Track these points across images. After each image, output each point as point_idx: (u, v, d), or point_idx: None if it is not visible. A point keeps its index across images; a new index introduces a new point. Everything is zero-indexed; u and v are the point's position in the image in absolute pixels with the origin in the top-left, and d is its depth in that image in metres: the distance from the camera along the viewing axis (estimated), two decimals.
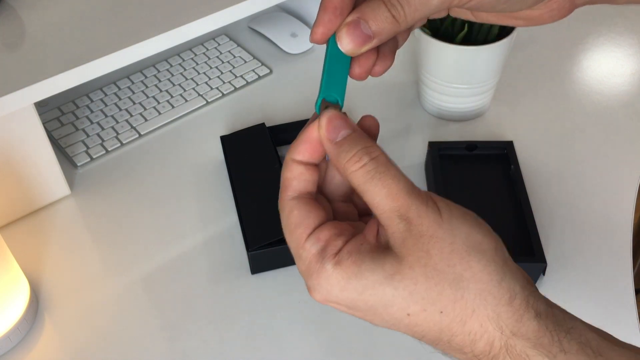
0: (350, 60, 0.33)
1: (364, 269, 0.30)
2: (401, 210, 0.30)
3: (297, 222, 0.33)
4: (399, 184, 0.30)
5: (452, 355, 0.31)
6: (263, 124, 0.75)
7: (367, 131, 0.34)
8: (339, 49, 0.32)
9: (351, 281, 0.30)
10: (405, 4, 0.30)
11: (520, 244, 0.62)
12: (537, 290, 0.31)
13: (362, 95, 0.85)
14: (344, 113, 0.33)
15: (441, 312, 0.29)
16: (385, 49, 0.34)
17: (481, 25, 0.71)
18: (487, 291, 0.29)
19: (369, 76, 0.34)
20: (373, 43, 0.31)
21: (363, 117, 0.35)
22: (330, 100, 0.33)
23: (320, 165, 0.34)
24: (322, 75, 0.33)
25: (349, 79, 0.34)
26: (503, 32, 0.72)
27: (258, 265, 0.63)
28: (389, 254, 0.30)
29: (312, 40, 0.32)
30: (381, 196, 0.30)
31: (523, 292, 0.29)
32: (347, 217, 0.35)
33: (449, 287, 0.29)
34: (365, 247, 0.31)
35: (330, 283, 0.30)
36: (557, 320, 0.29)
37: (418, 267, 0.29)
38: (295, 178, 0.33)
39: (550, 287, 0.61)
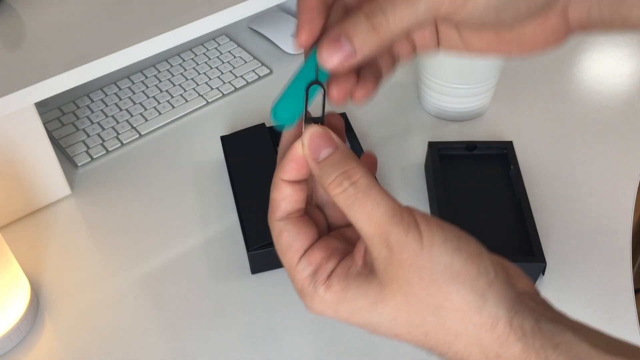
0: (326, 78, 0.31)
1: (350, 296, 0.31)
2: (382, 237, 0.29)
3: (287, 244, 0.33)
4: (379, 209, 0.29)
5: None
6: (263, 124, 0.75)
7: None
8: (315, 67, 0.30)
9: (340, 305, 0.31)
10: (388, 12, 0.28)
11: (520, 243, 0.62)
12: (526, 302, 0.30)
13: None
14: (325, 128, 0.32)
15: (426, 334, 0.30)
16: (367, 73, 0.33)
17: None
18: (468, 320, 0.29)
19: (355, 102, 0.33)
20: (356, 59, 0.29)
21: (363, 156, 0.35)
22: (280, 117, 0.32)
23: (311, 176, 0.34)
24: (286, 86, 0.31)
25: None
26: None
27: (258, 265, 0.63)
28: (373, 279, 0.31)
29: (298, 45, 0.31)
30: (363, 223, 0.30)
31: (508, 314, 0.29)
32: (342, 221, 0.36)
33: (431, 315, 0.30)
34: (352, 272, 0.32)
35: (323, 305, 0.32)
36: (545, 336, 0.29)
37: (399, 295, 0.30)
38: (284, 199, 0.33)
39: (549, 287, 0.61)
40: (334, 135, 0.32)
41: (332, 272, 0.32)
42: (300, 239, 0.33)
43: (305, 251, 0.33)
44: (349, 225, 0.36)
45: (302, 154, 0.32)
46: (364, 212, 0.29)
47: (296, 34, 0.30)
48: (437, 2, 0.28)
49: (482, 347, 0.29)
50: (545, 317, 0.29)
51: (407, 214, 0.30)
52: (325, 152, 0.31)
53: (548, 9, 0.31)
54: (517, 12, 0.29)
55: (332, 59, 0.29)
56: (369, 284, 0.31)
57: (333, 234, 0.35)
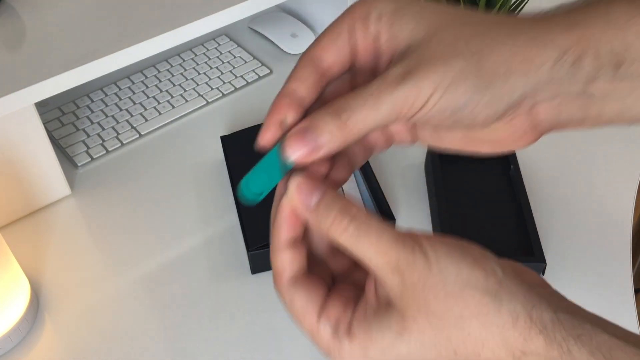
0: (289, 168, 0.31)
1: (375, 336, 0.30)
2: (392, 264, 0.29)
3: (302, 310, 0.33)
4: (384, 237, 0.30)
5: None
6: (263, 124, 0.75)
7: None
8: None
9: (369, 349, 0.30)
10: (356, 111, 0.29)
11: (520, 243, 0.62)
12: (540, 294, 0.30)
13: None
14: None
15: (455, 352, 0.30)
16: (341, 162, 0.34)
17: None
18: (489, 322, 0.29)
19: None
20: (321, 153, 0.30)
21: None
22: (249, 191, 0.32)
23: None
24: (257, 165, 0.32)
25: None
26: None
27: (258, 265, 0.63)
28: (392, 311, 0.30)
29: (260, 145, 0.31)
30: (371, 254, 0.30)
31: (525, 308, 0.29)
32: (344, 267, 0.36)
33: (454, 329, 0.29)
34: (370, 312, 0.31)
35: (353, 356, 0.31)
36: (565, 328, 0.29)
37: (420, 318, 0.30)
38: (286, 266, 0.33)
39: None
40: (316, 181, 0.31)
41: (351, 320, 0.31)
42: (314, 300, 0.32)
43: (321, 310, 0.32)
44: (353, 269, 0.35)
45: (290, 211, 0.32)
46: (370, 243, 0.30)
47: (260, 134, 0.31)
48: (398, 105, 0.29)
49: (509, 347, 0.29)
50: (562, 309, 0.30)
51: (408, 237, 0.30)
52: (315, 197, 0.31)
53: (512, 112, 0.31)
54: (475, 116, 0.30)
55: (295, 153, 0.30)
56: (390, 317, 0.30)
57: (340, 284, 0.35)
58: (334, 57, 0.32)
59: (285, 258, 0.33)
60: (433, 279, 0.29)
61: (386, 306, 0.31)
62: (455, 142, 0.34)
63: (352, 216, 0.30)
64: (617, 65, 0.29)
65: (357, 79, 0.33)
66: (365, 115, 0.29)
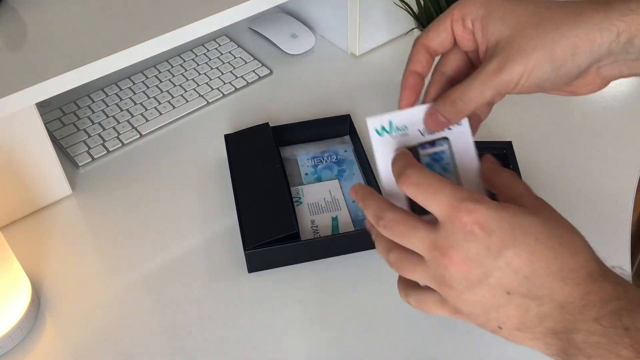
0: None
1: (511, 206, 0.37)
2: (535, 196, 0.40)
3: (438, 185, 0.38)
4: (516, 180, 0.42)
5: (550, 290, 0.36)
6: (267, 123, 0.75)
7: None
8: None
9: (503, 208, 0.37)
10: (464, 98, 0.41)
11: None
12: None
13: (364, 96, 0.85)
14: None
15: (560, 243, 0.36)
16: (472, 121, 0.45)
17: None
18: (590, 248, 0.38)
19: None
20: (446, 125, 0.43)
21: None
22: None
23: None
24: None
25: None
26: None
27: (254, 264, 0.64)
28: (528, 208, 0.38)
29: (400, 107, 0.45)
30: (522, 187, 0.41)
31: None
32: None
33: (568, 233, 0.37)
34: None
35: (490, 205, 0.37)
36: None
37: (549, 215, 0.38)
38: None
39: None
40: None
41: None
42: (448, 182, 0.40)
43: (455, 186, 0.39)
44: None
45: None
46: (523, 184, 0.42)
47: (399, 102, 0.45)
48: (498, 89, 0.40)
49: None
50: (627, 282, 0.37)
51: None
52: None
53: (583, 75, 0.41)
54: (554, 86, 0.41)
55: (433, 127, 0.43)
56: (526, 207, 0.38)
57: None
58: (437, 45, 0.45)
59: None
60: (560, 216, 0.39)
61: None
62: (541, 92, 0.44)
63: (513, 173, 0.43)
64: None
65: (468, 56, 0.46)
66: (475, 102, 0.41)
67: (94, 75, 0.65)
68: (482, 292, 0.37)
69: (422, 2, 0.79)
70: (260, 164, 0.71)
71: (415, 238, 0.38)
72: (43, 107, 0.83)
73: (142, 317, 0.61)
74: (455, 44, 0.45)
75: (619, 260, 0.63)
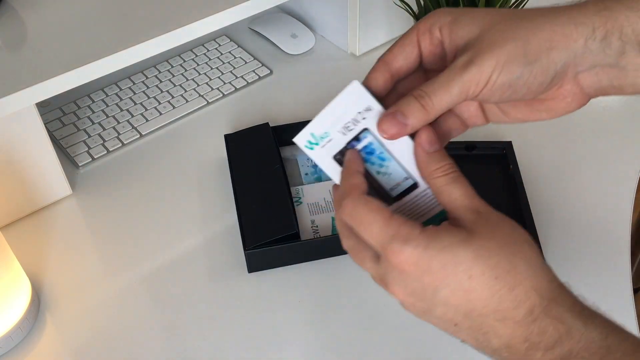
0: None
1: (442, 234, 0.35)
2: (473, 207, 0.37)
3: (371, 214, 0.37)
4: (470, 188, 0.38)
5: (492, 329, 0.35)
6: (267, 123, 0.75)
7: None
8: None
9: (431, 242, 0.35)
10: (431, 95, 0.37)
11: None
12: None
13: None
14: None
15: (496, 277, 0.34)
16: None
17: None
18: (536, 266, 0.35)
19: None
20: (408, 130, 0.38)
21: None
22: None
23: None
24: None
25: None
26: None
27: (254, 264, 0.64)
28: (462, 229, 0.36)
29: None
30: (458, 195, 0.37)
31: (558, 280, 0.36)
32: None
33: (505, 260, 0.34)
34: (441, 226, 0.37)
35: (418, 243, 0.35)
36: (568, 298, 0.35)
37: (484, 240, 0.35)
38: (361, 184, 0.39)
39: None
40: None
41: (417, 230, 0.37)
42: (383, 209, 0.37)
43: (391, 216, 0.37)
44: None
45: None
46: (462, 186, 0.38)
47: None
48: (466, 86, 0.37)
49: (541, 291, 0.34)
50: (575, 309, 0.35)
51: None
52: (435, 146, 0.39)
53: (559, 80, 0.38)
54: (529, 85, 0.37)
55: (389, 130, 0.38)
56: (459, 230, 0.36)
57: None
58: (401, 62, 0.40)
59: (361, 177, 0.39)
60: (504, 225, 0.36)
61: (456, 226, 0.37)
62: (519, 114, 0.41)
63: (453, 169, 0.39)
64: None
65: (429, 76, 0.41)
66: (440, 98, 0.37)
67: (94, 75, 0.65)
68: (432, 320, 0.37)
69: (422, 2, 0.79)
70: (260, 164, 0.71)
71: (364, 265, 0.39)
72: (43, 107, 0.83)
73: (142, 317, 0.61)
74: (420, 63, 0.41)
75: (619, 260, 0.64)
